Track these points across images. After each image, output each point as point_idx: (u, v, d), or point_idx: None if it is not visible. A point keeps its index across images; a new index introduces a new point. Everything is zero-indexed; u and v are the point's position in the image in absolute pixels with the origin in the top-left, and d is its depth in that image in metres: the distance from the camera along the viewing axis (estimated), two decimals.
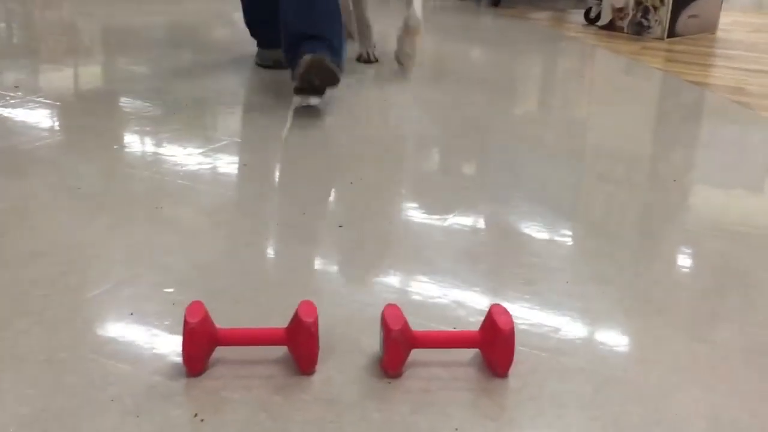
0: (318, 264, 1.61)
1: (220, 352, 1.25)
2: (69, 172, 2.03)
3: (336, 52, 2.49)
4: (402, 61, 3.11)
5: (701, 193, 2.22)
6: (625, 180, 2.25)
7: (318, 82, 2.40)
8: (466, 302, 1.48)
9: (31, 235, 1.66)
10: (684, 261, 1.77)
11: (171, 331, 1.31)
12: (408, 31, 3.04)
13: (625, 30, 4.03)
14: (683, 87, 3.24)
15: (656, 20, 3.95)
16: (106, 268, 1.54)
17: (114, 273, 1.51)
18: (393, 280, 1.56)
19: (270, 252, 1.65)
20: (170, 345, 1.27)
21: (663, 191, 2.17)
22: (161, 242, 1.65)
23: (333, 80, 2.40)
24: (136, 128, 2.44)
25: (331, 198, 1.93)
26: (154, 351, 1.26)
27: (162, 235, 1.69)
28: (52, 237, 1.66)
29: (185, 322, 1.18)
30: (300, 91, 2.48)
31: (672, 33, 3.97)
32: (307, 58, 2.34)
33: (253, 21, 3.10)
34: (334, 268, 1.60)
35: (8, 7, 4.17)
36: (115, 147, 2.26)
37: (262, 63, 3.16)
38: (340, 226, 1.78)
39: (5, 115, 2.49)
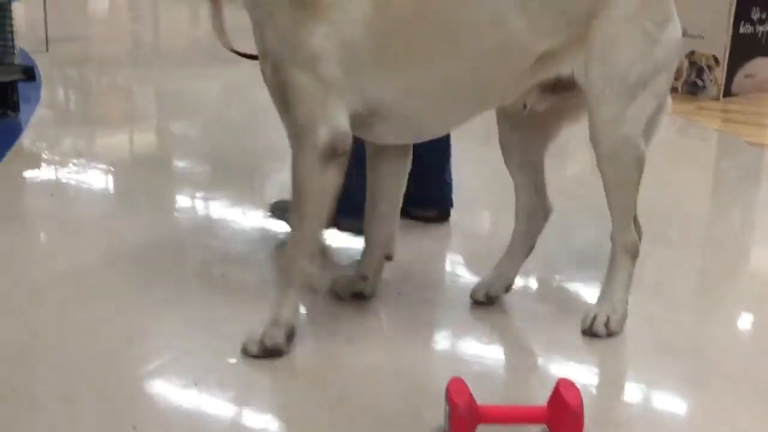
0: (375, 334, 1.60)
1: None
2: (125, 240, 2.05)
3: None
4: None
5: (762, 256, 2.18)
6: (684, 242, 2.21)
7: None
8: (531, 374, 1.45)
9: (90, 306, 1.68)
10: (747, 326, 1.72)
11: (237, 402, 1.31)
12: None
13: (680, 90, 4.00)
14: (741, 148, 3.20)
15: (711, 80, 3.92)
16: (167, 338, 1.54)
17: (175, 343, 1.52)
18: (456, 351, 1.54)
19: (320, 321, 1.64)
20: (240, 415, 1.27)
21: (723, 254, 2.12)
22: (220, 311, 1.66)
23: None
24: (193, 193, 2.47)
25: (388, 266, 1.92)
26: (220, 421, 1.25)
27: (221, 304, 1.69)
28: (112, 307, 1.67)
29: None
30: None
31: (728, 92, 3.93)
32: None
33: None
34: (394, 338, 1.59)
35: (66, 74, 4.30)
36: (172, 213, 2.30)
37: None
38: (399, 293, 1.77)
39: (67, 182, 2.55)
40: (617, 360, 1.51)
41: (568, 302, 1.78)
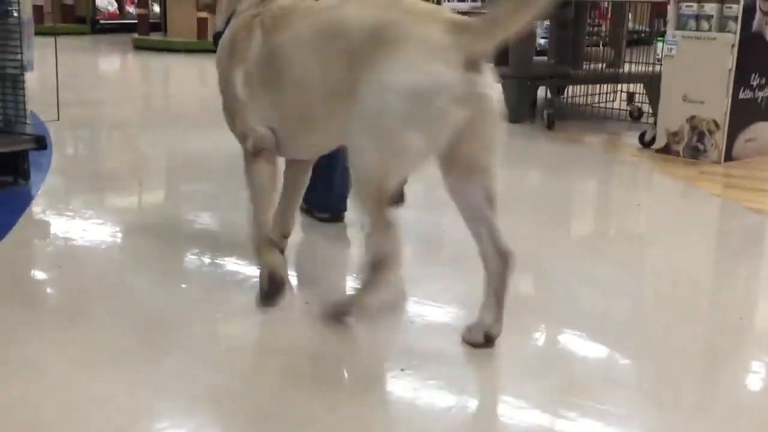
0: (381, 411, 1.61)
1: None
2: (131, 309, 2.08)
3: None
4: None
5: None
6: (687, 319, 2.22)
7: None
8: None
9: (96, 378, 1.70)
10: (755, 388, 1.73)
11: None
12: None
13: (681, 154, 4.04)
14: (743, 214, 3.22)
15: (712, 144, 3.96)
16: (173, 416, 1.56)
17: (180, 422, 1.53)
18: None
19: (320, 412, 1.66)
20: None
21: (727, 327, 2.13)
22: (226, 388, 1.67)
23: None
24: (203, 258, 2.50)
25: (386, 336, 1.93)
26: None
27: (227, 381, 1.71)
28: (120, 380, 1.69)
29: None
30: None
31: (729, 157, 3.97)
32: None
33: None
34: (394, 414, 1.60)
35: (77, 138, 4.37)
36: (181, 281, 2.32)
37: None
38: (402, 370, 1.79)
39: (75, 252, 2.58)
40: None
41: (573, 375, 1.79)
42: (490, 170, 1.87)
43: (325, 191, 2.77)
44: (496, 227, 1.91)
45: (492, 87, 1.78)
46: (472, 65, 1.71)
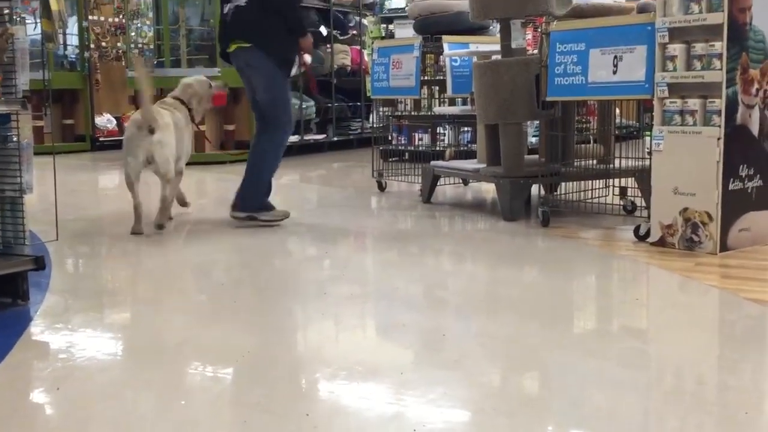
0: None
1: None
2: (133, 430, 2.06)
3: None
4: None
5: None
6: (694, 415, 2.19)
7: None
8: None
9: None
10: None
11: None
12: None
13: (677, 246, 4.07)
14: (742, 305, 3.22)
15: (707, 235, 3.99)
16: None
17: None
18: None
19: None
20: None
21: (734, 422, 2.11)
22: None
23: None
24: (202, 375, 2.48)
25: None
26: None
27: None
28: None
29: None
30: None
31: (724, 247, 3.99)
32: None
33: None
34: None
35: (77, 256, 4.40)
36: (180, 401, 2.30)
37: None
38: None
39: (74, 373, 2.57)
40: None
41: None
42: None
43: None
44: None
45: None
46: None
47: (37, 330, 3.00)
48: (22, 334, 2.89)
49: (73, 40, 10.07)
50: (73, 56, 10.23)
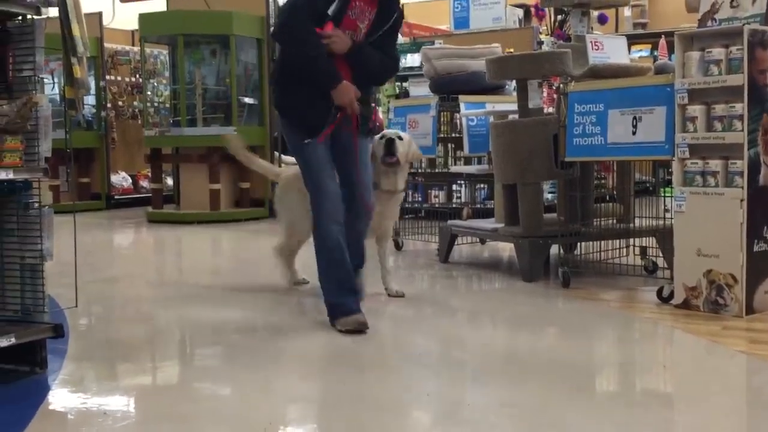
0: None
1: None
2: None
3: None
4: None
5: None
6: None
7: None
8: None
9: None
10: None
11: None
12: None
13: (702, 308, 4.00)
14: None
15: (732, 298, 3.93)
16: None
17: None
18: None
19: None
20: None
21: None
22: None
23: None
24: None
25: None
26: None
27: None
28: None
29: None
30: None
31: (750, 310, 3.92)
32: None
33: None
34: None
35: (94, 320, 4.36)
36: None
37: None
38: None
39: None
40: None
41: None
42: None
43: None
44: None
45: None
46: None
47: (55, 399, 2.96)
48: (41, 405, 2.85)
49: (90, 100, 10.18)
50: (90, 116, 10.33)
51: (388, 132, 4.44)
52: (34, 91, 3.11)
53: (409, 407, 2.91)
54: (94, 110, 10.35)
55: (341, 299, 3.81)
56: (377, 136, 4.29)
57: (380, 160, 4.29)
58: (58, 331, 3.16)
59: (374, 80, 4.10)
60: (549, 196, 7.15)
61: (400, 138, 4.37)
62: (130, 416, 2.80)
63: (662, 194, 5.64)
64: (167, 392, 3.15)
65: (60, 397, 2.98)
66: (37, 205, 3.17)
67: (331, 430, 2.70)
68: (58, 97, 7.45)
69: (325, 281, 3.88)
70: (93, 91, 10.09)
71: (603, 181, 6.36)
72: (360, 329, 3.70)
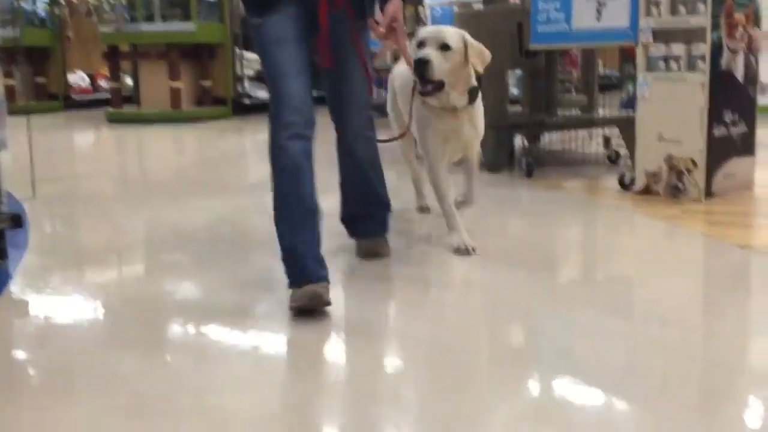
0: None
1: None
2: (117, 386, 2.02)
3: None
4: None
5: (761, 368, 2.15)
6: (681, 361, 2.18)
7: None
8: None
9: None
10: None
11: None
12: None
13: (662, 194, 4.05)
14: (728, 250, 3.21)
15: (691, 182, 3.97)
16: None
17: None
18: None
19: None
20: None
21: (721, 367, 2.10)
22: None
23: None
24: (185, 331, 2.44)
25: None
26: None
27: None
28: None
29: None
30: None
31: (709, 193, 3.97)
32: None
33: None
34: None
35: (54, 215, 4.32)
36: (165, 355, 2.27)
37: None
38: None
39: (56, 330, 2.52)
40: None
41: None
42: None
43: None
44: None
45: None
46: None
47: (17, 289, 2.94)
48: (1, 294, 2.84)
49: None
50: (43, 12, 10.01)
51: (421, 52, 3.04)
52: None
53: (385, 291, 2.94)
54: (47, 6, 10.03)
55: (292, 252, 2.58)
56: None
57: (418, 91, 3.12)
58: (17, 221, 3.12)
59: None
60: (514, 90, 7.11)
61: (448, 47, 3.04)
62: (93, 302, 2.80)
63: (627, 85, 5.64)
64: (131, 282, 3.14)
65: (21, 286, 2.96)
66: None
67: (285, 314, 2.73)
68: None
69: (277, 221, 2.63)
70: None
71: (568, 75, 6.34)
72: (313, 306, 2.48)
